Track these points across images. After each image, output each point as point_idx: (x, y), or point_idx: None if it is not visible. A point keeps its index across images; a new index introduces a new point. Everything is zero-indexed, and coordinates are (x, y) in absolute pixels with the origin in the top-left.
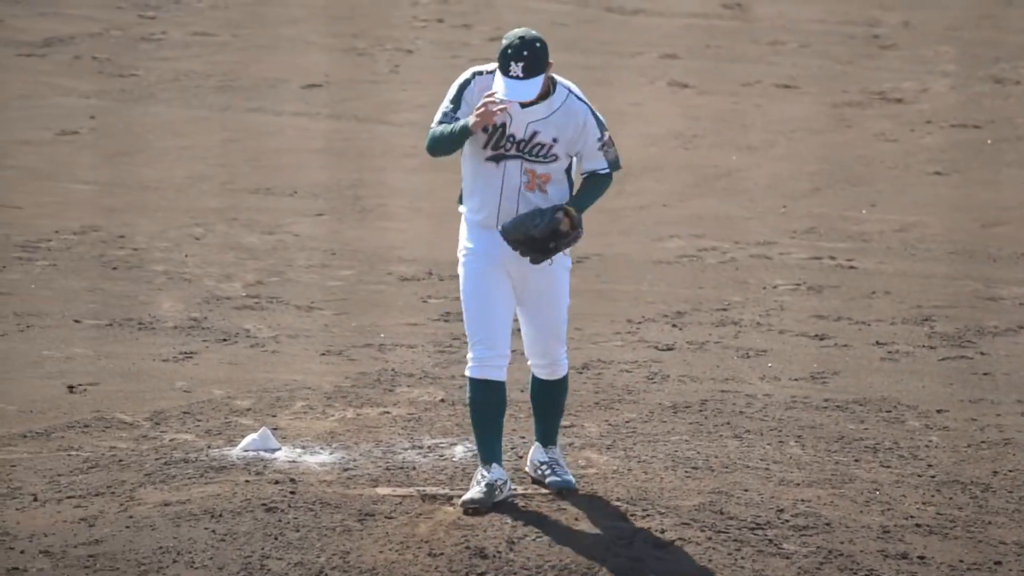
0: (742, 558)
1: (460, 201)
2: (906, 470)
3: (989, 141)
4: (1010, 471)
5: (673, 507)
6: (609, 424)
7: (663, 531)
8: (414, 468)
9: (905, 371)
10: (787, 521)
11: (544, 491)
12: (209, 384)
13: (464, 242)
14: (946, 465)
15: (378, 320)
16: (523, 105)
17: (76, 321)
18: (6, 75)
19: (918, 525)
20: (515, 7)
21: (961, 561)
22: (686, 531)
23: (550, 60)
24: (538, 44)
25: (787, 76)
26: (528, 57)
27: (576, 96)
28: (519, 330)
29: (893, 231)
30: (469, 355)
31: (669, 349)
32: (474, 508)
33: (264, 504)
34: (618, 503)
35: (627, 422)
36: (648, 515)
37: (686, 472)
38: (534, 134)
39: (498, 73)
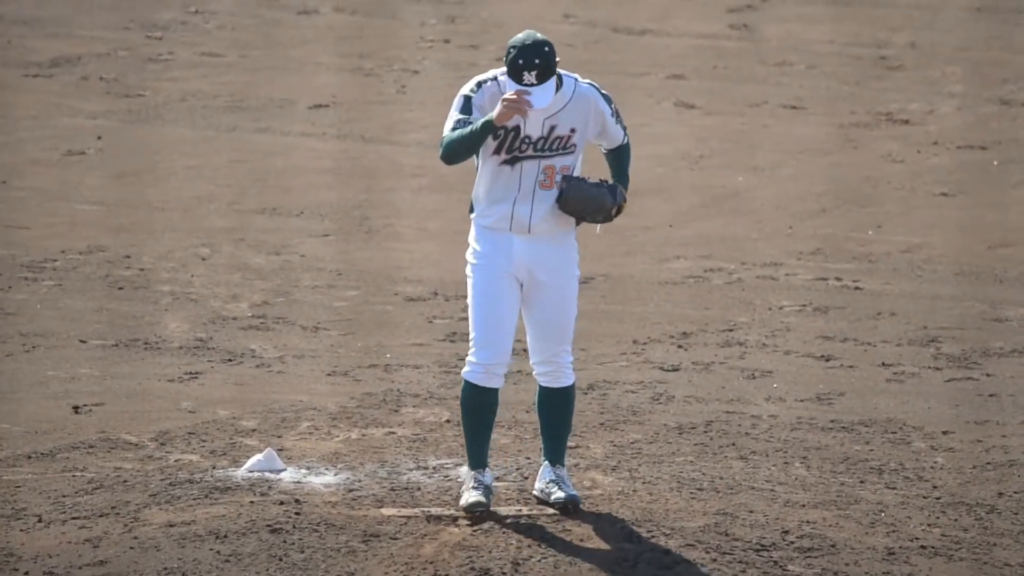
0: None
1: (471, 211)
2: (911, 491)
3: (996, 162)
4: (1015, 492)
5: (678, 528)
6: (614, 445)
7: (668, 552)
8: (419, 489)
9: (911, 392)
10: (792, 543)
11: (549, 512)
12: (214, 404)
13: (473, 245)
14: (951, 486)
15: (384, 340)
16: None
17: (82, 341)
18: (14, 96)
19: (923, 547)
20: (522, 27)
21: None
22: (691, 552)
23: (557, 58)
24: (546, 48)
25: (794, 97)
26: (540, 64)
27: (580, 81)
28: (525, 349)
29: (899, 252)
30: (469, 357)
31: (675, 370)
32: (480, 511)
33: (269, 525)
34: (623, 524)
35: (632, 443)
36: (653, 536)
37: (691, 493)
38: (552, 129)
39: (510, 82)
